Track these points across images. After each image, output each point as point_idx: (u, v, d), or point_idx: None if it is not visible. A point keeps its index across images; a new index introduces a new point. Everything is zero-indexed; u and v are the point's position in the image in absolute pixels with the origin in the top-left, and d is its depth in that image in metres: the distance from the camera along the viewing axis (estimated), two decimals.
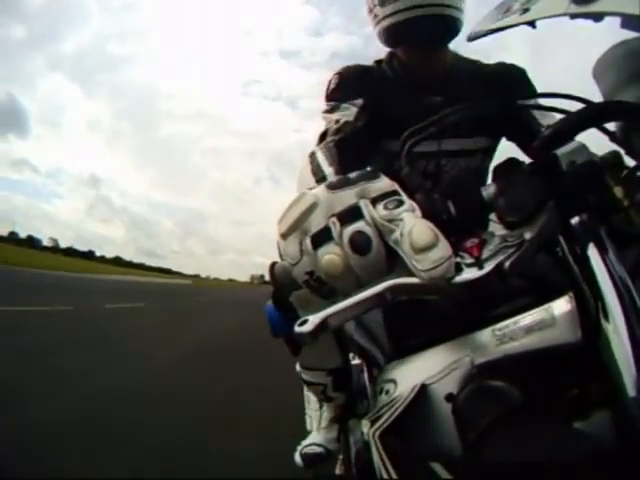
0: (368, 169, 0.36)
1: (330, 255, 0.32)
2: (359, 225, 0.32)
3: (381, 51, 1.00)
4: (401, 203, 0.32)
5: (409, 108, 0.61)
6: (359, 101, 0.84)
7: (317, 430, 1.06)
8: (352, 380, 0.93)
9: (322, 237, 0.33)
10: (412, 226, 0.31)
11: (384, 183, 0.34)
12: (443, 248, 0.31)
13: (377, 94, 0.85)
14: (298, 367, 0.94)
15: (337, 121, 0.81)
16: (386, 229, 0.32)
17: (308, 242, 0.33)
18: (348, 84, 0.87)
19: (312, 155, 0.56)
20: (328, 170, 0.62)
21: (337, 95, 0.86)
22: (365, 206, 0.33)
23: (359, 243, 0.32)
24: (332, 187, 0.34)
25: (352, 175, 0.36)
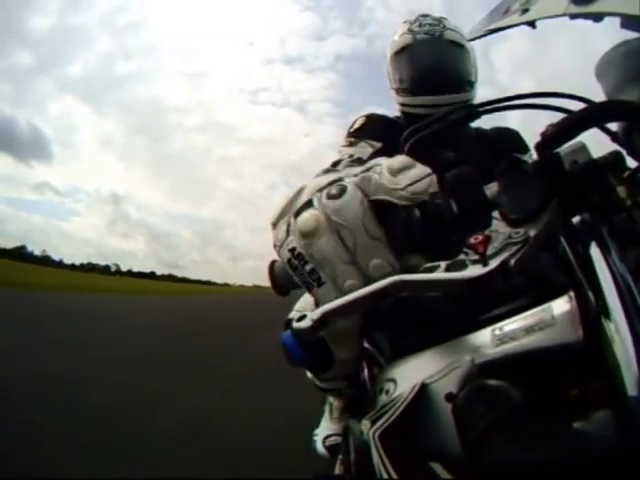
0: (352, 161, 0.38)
1: (305, 214, 0.32)
2: (336, 178, 0.33)
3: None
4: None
5: (426, 157, 0.62)
6: (377, 144, 0.85)
7: (330, 420, 1.08)
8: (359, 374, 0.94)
9: (304, 208, 0.33)
10: (388, 160, 0.32)
11: (367, 165, 0.35)
12: (421, 167, 0.31)
13: (396, 143, 0.87)
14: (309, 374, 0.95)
15: (351, 155, 0.83)
16: (365, 180, 0.32)
17: (292, 218, 0.34)
18: (373, 126, 0.89)
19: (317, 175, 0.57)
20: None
21: (359, 133, 0.88)
22: (347, 176, 0.34)
23: (334, 190, 0.32)
24: (320, 173, 0.36)
25: (341, 164, 0.37)
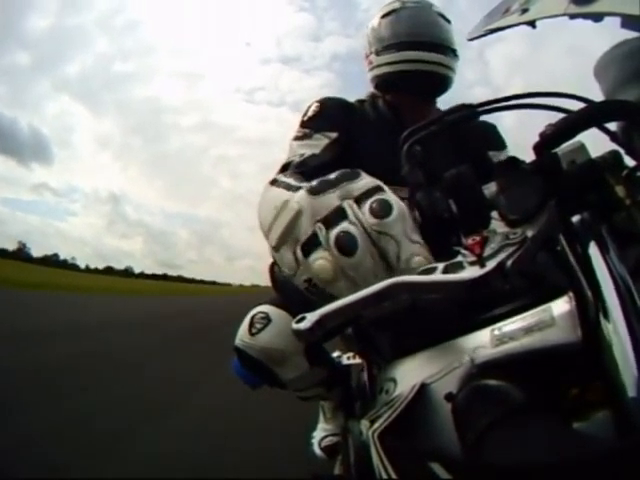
0: (348, 169, 0.36)
1: (320, 261, 0.32)
2: (343, 226, 0.32)
3: None
4: (389, 208, 0.33)
5: (388, 150, 0.59)
6: (333, 134, 0.81)
7: (325, 422, 1.08)
8: (348, 375, 0.94)
9: (311, 243, 0.33)
10: (410, 256, 0.32)
11: (366, 181, 0.35)
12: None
13: (355, 131, 0.84)
14: None
15: (301, 154, 0.77)
16: (376, 237, 0.32)
17: (299, 251, 0.33)
18: (327, 115, 0.84)
19: (275, 181, 0.50)
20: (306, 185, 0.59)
21: (312, 124, 0.83)
22: (349, 207, 0.33)
23: (345, 243, 0.32)
24: (314, 192, 0.34)
25: (332, 176, 0.35)
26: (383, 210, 0.32)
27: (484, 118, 0.88)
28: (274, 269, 0.72)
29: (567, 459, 0.31)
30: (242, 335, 0.74)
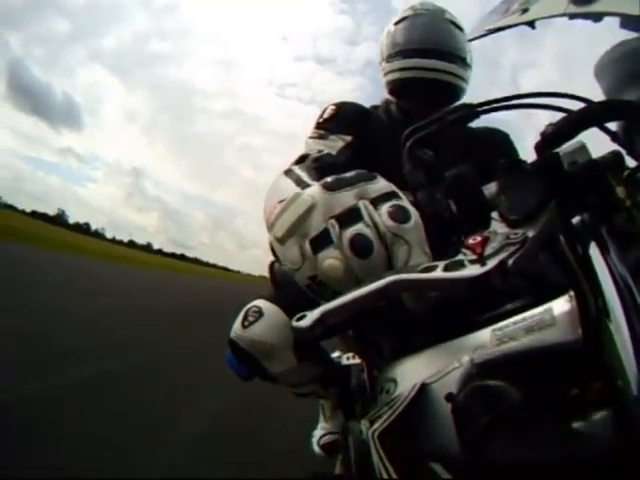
0: (365, 170, 0.36)
1: (331, 259, 0.32)
2: (359, 227, 0.32)
3: None
4: (407, 215, 0.32)
5: (400, 156, 0.60)
6: (348, 137, 0.82)
7: (325, 420, 1.09)
8: (348, 375, 0.94)
9: (321, 240, 0.32)
10: (418, 264, 0.31)
11: (383, 184, 0.34)
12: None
13: (369, 136, 0.85)
14: None
15: (319, 151, 0.78)
16: (390, 240, 0.32)
17: (307, 246, 0.32)
18: (342, 118, 0.85)
19: (289, 171, 0.51)
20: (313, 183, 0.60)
21: (328, 125, 0.84)
22: (365, 207, 0.33)
23: (360, 245, 0.31)
24: (329, 188, 0.34)
25: (348, 175, 0.35)
26: (402, 216, 0.32)
27: (493, 124, 0.90)
28: (274, 265, 0.72)
29: (567, 459, 0.31)
30: (235, 327, 0.76)
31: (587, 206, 0.35)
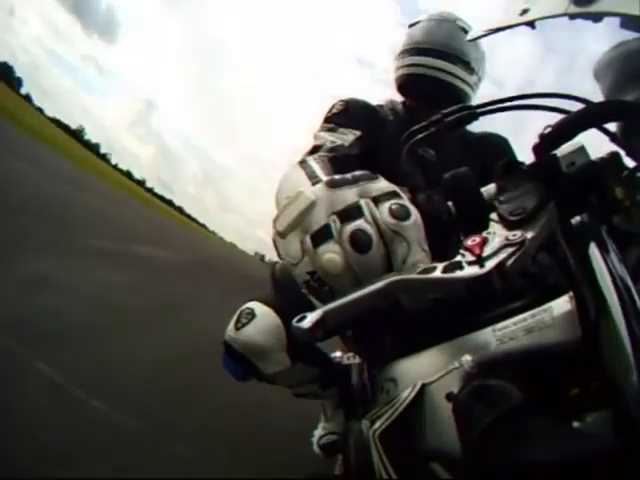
0: (367, 171, 0.36)
1: (330, 254, 0.32)
2: (359, 223, 0.32)
3: None
4: (407, 213, 0.33)
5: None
6: (357, 132, 0.83)
7: (326, 420, 1.10)
8: (348, 375, 0.95)
9: (322, 235, 0.33)
10: (416, 261, 0.32)
11: (385, 184, 0.35)
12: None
13: (376, 132, 0.86)
14: None
15: (332, 142, 0.79)
16: (389, 237, 0.32)
17: (308, 240, 0.33)
18: (352, 113, 0.87)
19: (303, 162, 0.52)
20: (325, 178, 0.61)
21: (338, 119, 0.85)
22: (366, 205, 0.33)
23: (359, 241, 0.32)
24: (332, 185, 0.35)
25: (351, 174, 0.35)
26: (402, 213, 0.33)
27: (493, 130, 0.92)
28: (275, 266, 0.73)
29: (566, 458, 0.31)
30: (229, 329, 0.76)
31: (586, 207, 0.35)
